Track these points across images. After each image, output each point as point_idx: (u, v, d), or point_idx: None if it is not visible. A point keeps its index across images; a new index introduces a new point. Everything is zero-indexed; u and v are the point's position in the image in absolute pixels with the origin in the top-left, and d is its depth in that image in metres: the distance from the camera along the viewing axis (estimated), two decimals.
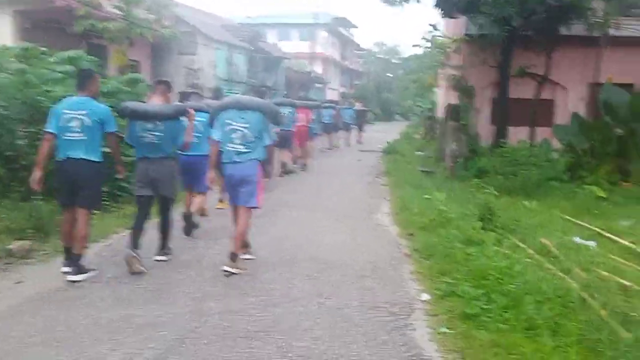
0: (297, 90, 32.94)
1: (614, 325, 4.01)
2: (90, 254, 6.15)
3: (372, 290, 5.12)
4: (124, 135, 5.99)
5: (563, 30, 13.47)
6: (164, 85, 6.10)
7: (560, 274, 5.25)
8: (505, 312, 4.27)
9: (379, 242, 7.00)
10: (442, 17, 15.96)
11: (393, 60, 69.33)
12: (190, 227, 7.11)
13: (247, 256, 5.94)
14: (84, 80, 5.52)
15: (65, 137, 5.26)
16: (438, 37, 18.69)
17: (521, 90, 14.86)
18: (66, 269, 5.35)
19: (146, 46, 22.22)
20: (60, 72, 10.54)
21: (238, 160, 5.58)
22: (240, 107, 5.66)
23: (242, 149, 5.57)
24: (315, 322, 4.29)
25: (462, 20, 16.31)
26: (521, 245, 6.71)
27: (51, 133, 5.30)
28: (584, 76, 15.40)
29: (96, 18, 14.07)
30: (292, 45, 45.16)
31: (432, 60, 21.51)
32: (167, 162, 5.84)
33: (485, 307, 4.42)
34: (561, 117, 16.78)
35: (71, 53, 11.17)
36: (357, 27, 62.80)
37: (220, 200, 8.84)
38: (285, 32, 49.14)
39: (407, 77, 46.83)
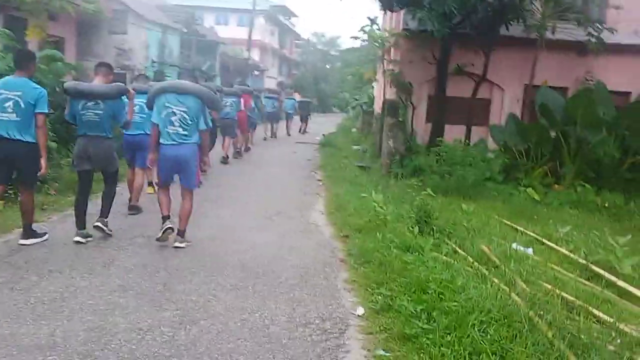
0: (233, 76, 31.99)
1: (563, 350, 3.71)
2: None
3: (302, 302, 4.63)
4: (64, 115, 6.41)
5: (502, 31, 13.40)
6: (106, 68, 6.30)
7: (504, 286, 4.94)
8: (448, 333, 3.87)
9: (311, 244, 6.51)
10: (381, 9, 15.66)
11: (332, 52, 69.20)
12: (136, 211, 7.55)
13: (185, 243, 6.06)
14: (22, 60, 5.68)
15: (0, 117, 5.40)
16: (376, 31, 18.36)
17: (458, 88, 14.74)
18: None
19: (72, 22, 20.84)
20: None
21: (178, 141, 5.86)
22: (180, 91, 5.91)
23: (181, 131, 5.85)
24: (236, 344, 3.75)
25: (401, 14, 16.08)
26: (460, 251, 6.41)
27: None
28: (520, 77, 15.44)
29: None
30: (230, 31, 44.02)
31: (370, 54, 21.22)
32: (106, 139, 6.10)
33: (425, 326, 4.02)
34: (497, 117, 16.86)
35: None
36: (297, 17, 62.06)
37: (150, 184, 8.65)
38: (223, 17, 47.94)
39: (344, 70, 46.69)
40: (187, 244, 6.06)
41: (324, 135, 21.43)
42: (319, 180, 11.84)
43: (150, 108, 6.10)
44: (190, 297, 4.51)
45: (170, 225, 5.99)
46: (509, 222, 8.46)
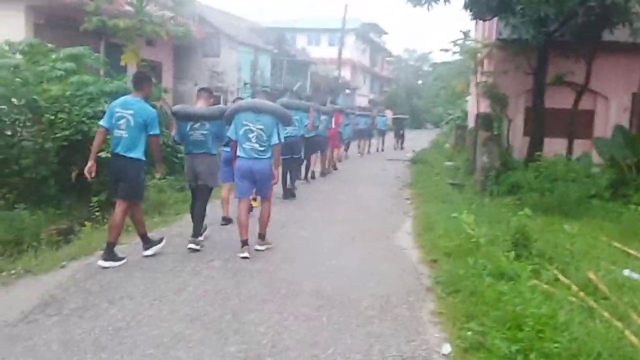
0: (324, 95, 32.07)
1: None
2: (65, 275, 5.39)
3: (381, 337, 4.18)
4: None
5: (605, 36, 12.36)
6: (207, 92, 6.99)
7: (616, 322, 4.25)
8: None
9: (395, 270, 6.04)
10: (472, 19, 15.00)
11: (424, 67, 68.27)
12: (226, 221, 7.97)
13: (265, 246, 6.61)
14: (138, 81, 6.06)
15: (115, 134, 5.80)
16: (467, 43, 17.67)
17: (558, 99, 13.80)
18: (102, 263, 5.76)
19: (168, 47, 21.68)
20: (60, 69, 9.90)
21: (256, 157, 6.27)
22: (256, 110, 6.32)
23: (258, 147, 6.26)
24: None
25: (494, 23, 15.37)
26: (563, 279, 5.71)
27: (104, 127, 5.88)
28: (627, 85, 14.30)
29: (107, 14, 13.40)
30: (321, 51, 44.39)
31: (463, 66, 20.46)
32: (210, 156, 6.71)
33: None
34: (602, 129, 15.79)
35: (74, 50, 10.53)
36: (387, 34, 61.76)
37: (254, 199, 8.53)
38: (315, 38, 48.47)
39: (436, 84, 45.73)
40: (268, 246, 6.62)
41: (414, 151, 20.81)
42: (408, 198, 11.32)
43: (229, 125, 6.48)
44: (259, 329, 4.18)
45: (247, 256, 6.21)
46: (619, 245, 7.58)
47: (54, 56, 10.53)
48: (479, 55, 16.45)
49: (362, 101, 49.58)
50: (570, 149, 13.58)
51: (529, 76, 13.57)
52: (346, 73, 45.95)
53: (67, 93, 9.35)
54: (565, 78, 13.53)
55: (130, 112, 5.76)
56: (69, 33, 14.86)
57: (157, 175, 6.64)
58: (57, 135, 8.60)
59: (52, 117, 8.73)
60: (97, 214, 8.04)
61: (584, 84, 13.39)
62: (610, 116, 15.76)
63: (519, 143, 14.74)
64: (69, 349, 3.76)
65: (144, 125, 5.80)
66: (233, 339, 4.00)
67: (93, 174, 5.86)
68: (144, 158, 5.91)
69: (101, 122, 5.94)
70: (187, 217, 7.77)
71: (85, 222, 7.59)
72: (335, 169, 15.92)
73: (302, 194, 10.99)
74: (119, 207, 5.88)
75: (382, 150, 23.98)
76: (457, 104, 35.62)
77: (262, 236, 6.62)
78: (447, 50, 16.69)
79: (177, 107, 6.93)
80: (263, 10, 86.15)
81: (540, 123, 13.00)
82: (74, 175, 8.77)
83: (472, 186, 13.33)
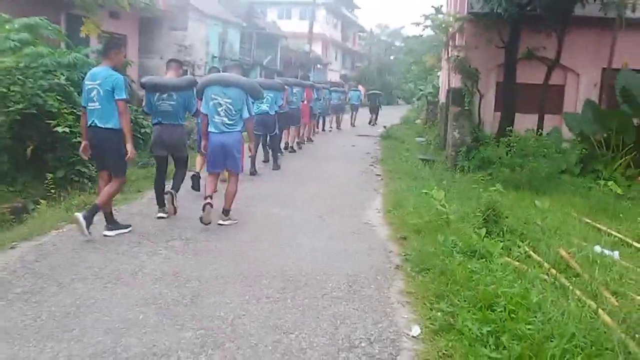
0: (295, 70, 31.60)
1: None
2: (14, 256, 5.06)
3: (347, 319, 3.99)
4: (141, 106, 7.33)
5: (576, 10, 12.23)
6: (176, 63, 7.12)
7: (589, 302, 4.12)
8: None
9: (363, 248, 5.84)
10: None
11: (396, 43, 67.89)
12: (197, 184, 8.13)
13: (229, 222, 6.54)
14: (106, 49, 5.90)
15: (89, 107, 5.71)
16: (440, 16, 17.42)
17: (528, 74, 13.68)
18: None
19: (133, 20, 20.98)
20: (14, 40, 9.37)
21: (225, 130, 6.34)
22: (224, 83, 6.38)
23: (227, 121, 6.33)
24: None
25: None
26: (534, 256, 5.60)
27: (83, 106, 5.82)
28: (597, 60, 14.23)
29: None
30: (292, 25, 43.71)
31: (434, 41, 20.24)
32: (178, 127, 6.79)
33: (493, 355, 3.30)
34: (571, 104, 15.77)
35: (30, 20, 9.98)
36: (360, 8, 61.24)
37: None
38: (286, 11, 47.72)
39: (407, 59, 45.50)
40: (232, 222, 6.55)
41: (385, 127, 20.64)
42: (378, 175, 11.14)
43: (200, 99, 6.60)
44: (218, 313, 3.94)
45: (209, 202, 6.21)
46: (589, 221, 7.52)
47: (7, 27, 9.98)
48: (450, 29, 16.21)
49: (333, 76, 49.17)
50: (540, 124, 13.51)
51: (500, 51, 13.41)
52: (317, 48, 45.42)
53: (21, 65, 8.85)
54: (536, 53, 13.39)
55: (98, 82, 5.62)
56: (27, 4, 14.17)
57: (127, 148, 5.74)
58: (10, 108, 8.13)
59: (5, 90, 8.25)
60: (53, 192, 7.65)
61: (555, 58, 13.29)
62: (580, 91, 15.74)
63: (489, 118, 14.64)
64: (10, 338, 3.47)
65: (112, 92, 5.61)
66: (190, 324, 3.76)
67: (88, 153, 5.89)
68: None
69: (82, 103, 5.89)
70: (149, 194, 7.48)
71: (41, 201, 7.21)
72: (311, 141, 16.35)
73: (269, 170, 10.74)
74: (114, 181, 5.86)
75: (354, 125, 23.88)
76: (429, 80, 35.45)
77: (226, 212, 6.55)
78: (418, 24, 16.40)
79: (145, 78, 6.88)
80: None
81: (511, 98, 12.91)
82: (29, 151, 8.34)
83: (442, 162, 13.21)
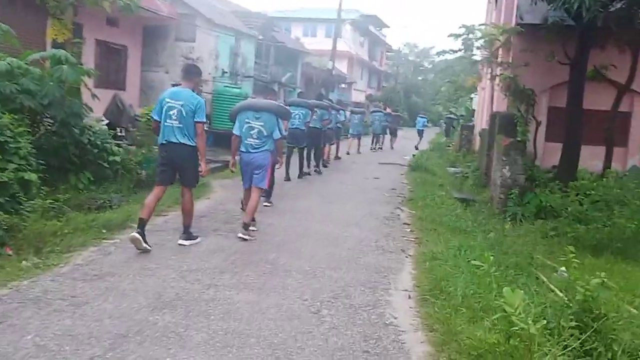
0: (317, 88, 29.20)
1: None
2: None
3: None
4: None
5: None
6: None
7: None
8: None
9: None
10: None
11: (424, 64, 65.47)
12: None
13: (253, 228, 6.99)
14: (188, 73, 6.37)
15: (166, 124, 6.12)
16: (481, 27, 14.87)
17: (589, 98, 11.08)
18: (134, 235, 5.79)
19: (136, 29, 18.81)
20: None
21: (253, 151, 7.01)
22: (256, 109, 7.12)
23: (257, 142, 7.00)
24: None
25: (513, 6, 12.81)
26: None
27: (155, 120, 6.28)
28: None
29: None
30: (317, 42, 41.41)
31: (468, 58, 17.55)
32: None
33: None
34: (639, 135, 13.23)
35: None
36: (388, 27, 58.69)
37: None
38: (311, 29, 45.58)
39: (438, 78, 42.92)
40: (250, 238, 6.71)
41: (414, 155, 18.04)
42: (406, 224, 8.53)
43: (232, 122, 7.31)
44: None
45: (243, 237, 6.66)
46: None
47: None
48: (495, 43, 13.61)
49: (358, 96, 46.70)
50: (609, 161, 10.86)
51: (554, 70, 11.00)
52: (343, 66, 43.06)
53: None
54: (605, 73, 10.78)
55: (181, 102, 6.06)
56: (10, 9, 11.90)
57: (202, 165, 6.34)
58: None
59: None
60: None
61: (627, 80, 10.67)
62: None
63: (540, 151, 12.04)
64: None
65: (194, 114, 6.09)
66: None
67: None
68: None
69: (155, 117, 6.28)
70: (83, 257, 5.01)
71: None
72: (325, 166, 14.90)
73: (263, 217, 8.21)
74: (187, 195, 6.35)
75: (381, 149, 23.37)
76: (460, 102, 32.85)
77: (246, 226, 6.79)
78: (458, 37, 13.78)
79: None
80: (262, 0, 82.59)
81: (577, 127, 10.25)
82: None
83: (484, 203, 10.63)
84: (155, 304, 4.36)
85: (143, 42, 20.00)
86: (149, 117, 11.13)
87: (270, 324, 4.17)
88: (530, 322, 3.71)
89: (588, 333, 4.00)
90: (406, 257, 6.58)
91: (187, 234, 6.31)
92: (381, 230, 7.94)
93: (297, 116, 11.79)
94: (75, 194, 8.12)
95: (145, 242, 5.78)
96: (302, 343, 3.90)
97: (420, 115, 29.38)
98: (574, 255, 6.48)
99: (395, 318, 4.56)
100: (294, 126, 11.81)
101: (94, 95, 9.07)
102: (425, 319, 4.56)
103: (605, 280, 4.26)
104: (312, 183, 12.04)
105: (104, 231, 6.46)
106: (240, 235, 6.62)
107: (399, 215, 9.25)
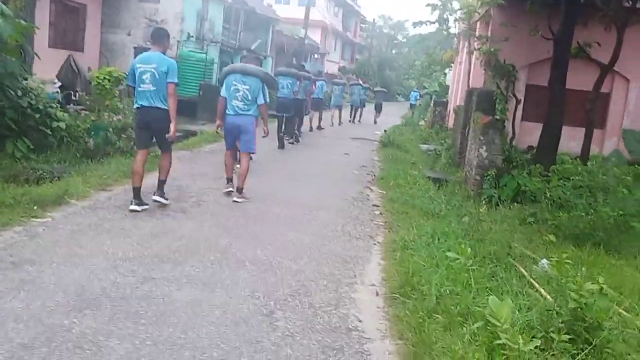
0: (288, 58, 28.21)
1: None
2: None
3: None
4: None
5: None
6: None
7: None
8: None
9: None
10: None
11: (398, 37, 64.66)
12: None
13: (242, 199, 7.13)
14: (157, 37, 6.33)
15: (140, 89, 6.14)
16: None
17: (569, 78, 10.53)
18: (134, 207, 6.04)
19: None
20: None
21: (240, 113, 7.15)
22: (244, 73, 7.20)
23: (241, 105, 7.14)
24: None
25: None
26: None
27: (130, 86, 6.43)
28: None
29: None
30: (290, 10, 40.20)
31: (447, 31, 16.84)
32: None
33: None
34: (617, 117, 12.86)
35: None
36: None
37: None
38: None
39: (413, 52, 42.13)
40: (245, 200, 7.08)
41: (385, 131, 17.42)
42: (376, 205, 7.92)
43: (221, 85, 7.41)
44: None
45: (231, 189, 7.29)
46: None
47: None
48: (474, 15, 12.97)
49: (331, 67, 45.72)
50: (587, 144, 10.36)
51: (534, 46, 10.53)
52: (316, 36, 41.99)
53: None
54: (588, 51, 10.22)
55: (154, 65, 6.02)
56: None
57: (171, 127, 6.17)
58: None
59: None
60: None
61: (612, 59, 10.12)
62: (629, 102, 12.78)
63: (516, 130, 11.53)
64: None
65: (166, 75, 6.03)
66: None
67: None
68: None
69: (129, 83, 6.37)
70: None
71: None
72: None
73: (218, 197, 7.49)
74: (164, 156, 6.48)
75: (359, 122, 23.20)
76: (434, 77, 32.26)
77: (240, 190, 7.12)
78: (435, 7, 13.07)
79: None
80: None
81: (559, 106, 9.68)
82: None
83: (458, 183, 10.06)
84: (76, 302, 3.67)
85: (103, 2, 18.85)
86: (99, 81, 10.26)
87: (212, 330, 3.51)
88: (520, 339, 3.13)
89: (582, 347, 3.47)
90: (375, 244, 5.97)
91: (161, 191, 6.38)
92: (349, 212, 7.30)
93: (285, 86, 12.31)
94: (11, 163, 7.34)
95: (144, 204, 6.15)
96: (247, 357, 3.24)
97: (414, 90, 32.30)
98: (554, 244, 5.97)
99: (360, 321, 3.95)
100: (283, 95, 12.36)
101: (34, 54, 8.19)
102: (394, 323, 3.96)
103: (604, 286, 3.71)
104: (278, 159, 11.31)
105: (35, 207, 5.67)
106: (235, 199, 7.00)
107: (368, 195, 8.62)
